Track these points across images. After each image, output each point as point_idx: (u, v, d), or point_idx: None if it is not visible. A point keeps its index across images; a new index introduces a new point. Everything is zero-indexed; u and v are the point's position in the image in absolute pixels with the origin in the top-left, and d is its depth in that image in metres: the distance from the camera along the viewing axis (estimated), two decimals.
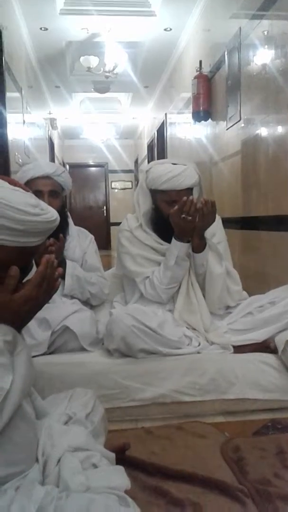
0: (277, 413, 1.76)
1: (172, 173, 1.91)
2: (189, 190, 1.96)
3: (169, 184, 1.92)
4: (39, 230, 0.97)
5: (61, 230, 2.05)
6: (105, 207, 11.48)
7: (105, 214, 11.39)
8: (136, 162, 10.93)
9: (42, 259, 0.99)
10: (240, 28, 3.29)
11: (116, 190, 11.48)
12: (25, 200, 0.96)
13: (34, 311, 1.02)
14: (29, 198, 0.98)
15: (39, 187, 2.01)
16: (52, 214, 1.01)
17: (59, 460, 1.02)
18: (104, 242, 10.22)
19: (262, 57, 2.93)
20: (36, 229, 0.96)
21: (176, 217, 1.87)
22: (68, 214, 2.25)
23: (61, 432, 1.10)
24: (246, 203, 3.32)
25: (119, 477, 1.03)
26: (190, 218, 1.86)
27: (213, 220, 1.94)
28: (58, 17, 4.64)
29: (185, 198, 1.85)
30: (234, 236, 3.40)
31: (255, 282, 3.02)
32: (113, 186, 11.47)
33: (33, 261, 1.08)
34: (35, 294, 0.98)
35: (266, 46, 2.87)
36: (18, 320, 0.98)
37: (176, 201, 1.90)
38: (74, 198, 11.41)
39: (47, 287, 1.00)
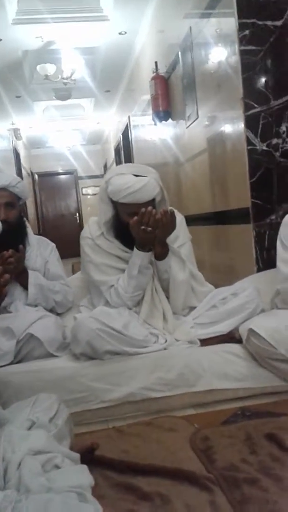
0: (246, 401, 1.79)
1: (133, 188, 1.87)
2: (150, 202, 1.93)
3: (129, 198, 1.89)
4: None
5: (20, 240, 2.05)
6: (77, 214, 11.44)
7: (78, 221, 11.35)
8: (105, 166, 10.94)
9: None
10: (190, 27, 3.33)
11: (88, 196, 11.46)
12: None
13: None
14: None
15: None
16: None
17: (20, 465, 1.03)
18: (78, 249, 10.07)
19: (214, 55, 2.97)
20: None
21: (135, 228, 1.86)
22: (27, 224, 2.24)
23: (21, 437, 1.11)
24: (212, 199, 3.36)
25: (81, 476, 1.04)
26: (150, 229, 1.85)
27: (173, 229, 1.94)
28: (11, 27, 4.62)
29: (143, 209, 1.84)
30: (204, 232, 3.44)
31: (225, 275, 3.06)
32: (84, 192, 11.45)
33: None
34: None
35: (216, 44, 2.91)
36: None
37: (137, 213, 1.86)
38: (45, 207, 11.36)
39: None
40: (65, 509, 0.85)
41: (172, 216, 1.90)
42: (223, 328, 1.90)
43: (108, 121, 9.05)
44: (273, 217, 2.58)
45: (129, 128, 6.62)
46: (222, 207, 3.13)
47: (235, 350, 1.85)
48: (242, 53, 2.54)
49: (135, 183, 1.88)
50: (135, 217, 1.85)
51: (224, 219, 3.13)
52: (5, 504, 0.89)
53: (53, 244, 2.33)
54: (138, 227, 1.85)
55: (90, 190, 11.37)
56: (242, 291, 1.94)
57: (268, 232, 2.58)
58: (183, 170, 4.08)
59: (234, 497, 1.17)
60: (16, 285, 2.07)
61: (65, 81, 5.31)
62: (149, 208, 1.85)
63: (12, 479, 1.00)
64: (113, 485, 1.28)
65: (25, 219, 2.23)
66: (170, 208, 1.93)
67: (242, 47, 2.54)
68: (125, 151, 7.29)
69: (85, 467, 1.07)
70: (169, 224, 1.90)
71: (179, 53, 3.69)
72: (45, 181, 11.28)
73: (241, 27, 2.54)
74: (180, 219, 2.08)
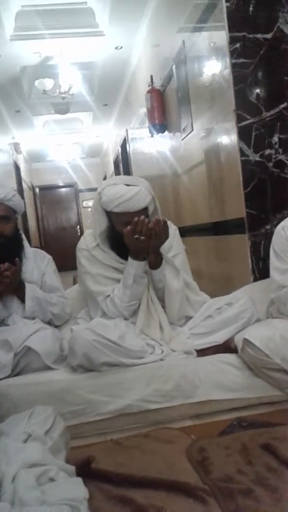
0: (242, 411, 1.79)
1: (124, 197, 1.91)
2: (143, 210, 1.97)
3: (122, 208, 1.93)
4: None
5: (16, 253, 2.07)
6: (78, 227, 11.49)
7: (79, 234, 11.39)
8: (104, 179, 10.96)
9: None
10: (183, 41, 3.38)
11: (88, 209, 11.49)
12: None
13: None
14: None
15: None
16: None
17: (14, 478, 1.03)
18: None
19: (206, 68, 3.02)
20: None
21: (129, 238, 1.89)
22: (23, 236, 2.26)
23: (16, 450, 1.12)
24: (208, 210, 3.39)
25: (76, 488, 1.05)
26: (143, 238, 1.88)
27: (166, 238, 1.96)
28: (9, 43, 4.69)
29: (136, 218, 1.87)
30: (200, 242, 3.46)
31: (221, 285, 3.07)
32: (84, 205, 11.50)
33: None
34: None
35: (208, 58, 2.96)
36: None
37: (130, 222, 1.89)
38: (46, 220, 11.42)
39: None
40: None
41: (165, 225, 1.93)
42: (218, 338, 1.91)
43: (106, 134, 9.13)
44: (268, 226, 2.60)
45: (127, 141, 6.68)
46: (219, 217, 3.16)
47: (231, 360, 1.86)
48: (234, 66, 2.58)
49: (127, 192, 1.92)
50: (129, 227, 1.88)
51: (220, 230, 3.15)
52: None
53: (50, 256, 2.34)
54: (131, 236, 1.88)
55: (90, 203, 11.35)
56: (237, 301, 1.96)
57: (264, 242, 2.60)
58: (180, 182, 4.11)
59: (228, 508, 1.18)
60: (13, 298, 2.08)
61: (63, 95, 5.38)
62: (142, 217, 1.89)
63: (7, 492, 1.01)
64: (109, 498, 1.28)
65: (21, 232, 2.25)
66: (162, 217, 1.96)
67: (234, 60, 2.58)
68: (123, 164, 7.35)
69: (80, 479, 1.08)
70: (162, 233, 1.93)
71: (173, 66, 3.74)
72: (46, 194, 11.35)
73: (232, 40, 2.58)
74: (174, 229, 2.11)
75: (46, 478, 1.06)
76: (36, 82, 5.29)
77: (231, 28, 2.58)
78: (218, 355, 1.88)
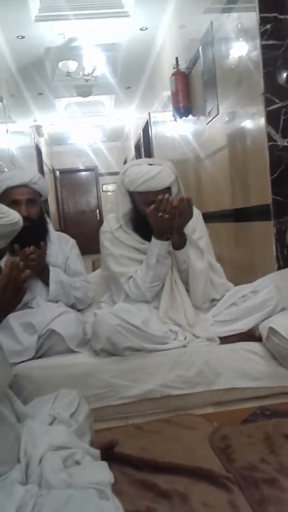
0: (265, 400, 1.77)
1: (148, 175, 1.92)
2: (166, 190, 1.97)
3: (145, 186, 1.93)
4: (2, 233, 0.99)
5: (41, 237, 2.07)
6: (98, 211, 11.48)
7: (98, 218, 11.39)
8: (125, 163, 10.93)
9: (6, 261, 1.01)
10: (211, 22, 3.31)
11: (108, 193, 11.49)
12: None
13: (2, 314, 1.03)
14: None
15: (16, 196, 2.02)
16: (13, 216, 1.02)
17: (41, 460, 1.04)
18: (98, 246, 10.17)
19: (235, 50, 2.94)
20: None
21: (153, 216, 1.88)
22: (48, 220, 2.26)
23: (42, 432, 1.12)
24: (231, 195, 3.34)
25: (102, 472, 1.05)
26: (167, 216, 1.87)
27: (191, 217, 1.95)
28: (33, 24, 4.65)
29: (160, 196, 1.86)
30: (223, 229, 3.42)
31: (244, 273, 3.04)
32: (104, 189, 11.48)
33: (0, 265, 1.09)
34: (0, 297, 0.99)
35: (237, 39, 2.89)
36: None
37: (154, 201, 1.89)
38: (66, 204, 11.43)
39: (14, 290, 1.01)
40: (85, 505, 0.87)
41: (189, 203, 1.91)
42: (242, 326, 1.89)
43: (128, 118, 9.05)
44: None
45: (149, 125, 6.61)
46: (242, 204, 3.11)
47: (254, 348, 1.84)
48: (263, 47, 2.51)
49: (150, 171, 1.93)
50: (153, 205, 1.87)
51: (243, 216, 3.10)
52: (26, 499, 0.91)
53: (73, 240, 2.34)
54: (155, 215, 1.87)
55: (110, 187, 11.39)
56: (263, 288, 1.93)
57: None
58: (203, 167, 4.05)
59: (253, 497, 1.17)
60: (38, 281, 2.09)
61: (86, 77, 5.33)
62: (166, 195, 1.88)
63: (34, 474, 1.02)
64: (132, 482, 1.29)
65: (46, 215, 2.25)
66: (186, 195, 1.94)
67: (263, 42, 2.51)
68: (145, 148, 7.29)
69: (105, 463, 1.08)
70: (186, 211, 1.91)
71: (200, 48, 3.66)
72: (66, 178, 11.35)
73: (262, 21, 2.51)
74: (197, 213, 2.10)
75: (72, 461, 1.07)
76: (60, 64, 5.25)
77: (261, 9, 2.50)
78: (242, 343, 1.86)
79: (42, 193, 2.13)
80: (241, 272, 3.13)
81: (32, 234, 2.00)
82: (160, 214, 1.86)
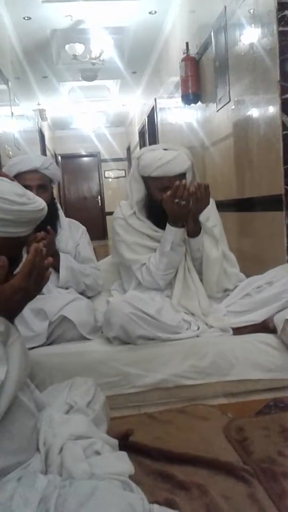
0: (278, 392, 1.76)
1: (164, 160, 1.88)
2: (181, 176, 1.93)
3: (161, 171, 1.89)
4: (27, 219, 0.96)
5: (51, 223, 2.04)
6: (99, 197, 11.42)
7: (100, 204, 11.34)
8: (128, 149, 10.86)
9: (30, 248, 0.98)
10: (225, 7, 3.24)
11: (110, 179, 11.42)
12: (11, 189, 0.94)
13: (25, 301, 1.00)
14: (16, 187, 0.96)
15: (27, 181, 1.97)
16: (40, 203, 0.99)
17: (61, 449, 1.02)
18: (100, 232, 10.19)
19: (249, 36, 2.89)
20: (24, 218, 0.95)
21: (169, 203, 1.85)
22: (59, 206, 2.22)
23: (62, 421, 1.10)
24: (239, 185, 3.30)
25: (123, 463, 1.03)
26: (183, 202, 1.83)
27: (207, 204, 1.92)
28: (40, 5, 4.57)
29: (177, 182, 1.82)
30: (230, 218, 3.39)
31: (252, 263, 3.01)
32: (106, 175, 11.39)
33: (23, 253, 1.06)
34: (25, 284, 0.96)
35: (252, 25, 2.83)
36: (9, 311, 0.97)
37: (169, 187, 1.86)
38: (68, 189, 11.35)
39: (37, 277, 0.98)
40: (113, 497, 0.84)
41: (207, 190, 1.88)
42: (256, 317, 1.87)
43: (133, 103, 8.95)
44: None
45: (155, 111, 6.53)
46: (251, 193, 3.07)
47: (268, 340, 1.82)
48: (280, 34, 2.46)
49: (166, 155, 1.90)
50: (169, 192, 1.83)
51: (252, 206, 3.07)
52: (50, 490, 0.89)
53: (84, 227, 2.31)
54: (171, 201, 1.84)
55: (112, 174, 11.32)
56: (278, 280, 1.91)
57: None
58: (211, 155, 4.01)
59: (274, 490, 1.16)
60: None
61: (93, 61, 5.24)
62: (183, 181, 1.84)
63: (54, 464, 1.00)
64: (149, 472, 1.28)
65: (56, 201, 2.21)
66: (204, 182, 1.90)
67: (281, 28, 2.46)
68: (150, 134, 7.21)
69: (125, 454, 1.06)
70: (203, 199, 1.88)
71: (212, 33, 3.59)
72: (68, 163, 11.26)
73: (280, 7, 2.45)
74: (211, 202, 2.06)
75: (91, 451, 1.05)
76: (67, 47, 5.15)
77: None
78: (256, 334, 1.84)
79: (53, 179, 2.09)
80: (248, 262, 3.10)
81: (43, 221, 1.96)
82: (177, 200, 1.82)
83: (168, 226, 1.91)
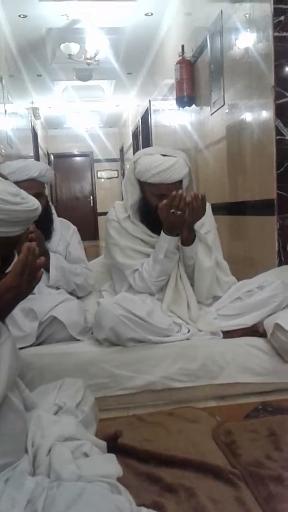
0: (267, 395, 1.77)
1: (161, 167, 1.85)
2: (178, 183, 1.91)
3: (158, 178, 1.86)
4: (21, 219, 0.95)
5: (46, 227, 2.03)
6: (91, 197, 11.39)
7: (91, 204, 11.31)
8: (121, 150, 10.85)
9: (23, 246, 0.97)
10: (221, 11, 3.25)
11: (102, 180, 11.40)
12: (5, 188, 0.94)
13: (16, 301, 1.00)
14: (9, 186, 0.96)
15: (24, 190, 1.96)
16: (33, 203, 0.99)
17: (49, 451, 1.02)
18: (91, 232, 10.17)
19: (244, 41, 2.90)
20: (17, 218, 0.94)
21: (165, 212, 1.83)
22: (53, 209, 2.21)
23: (50, 422, 1.10)
24: (232, 188, 3.31)
25: (111, 465, 1.03)
26: (179, 213, 1.81)
27: (203, 214, 1.91)
28: (37, 4, 4.55)
29: (174, 192, 1.80)
30: (221, 222, 3.38)
31: (243, 266, 3.02)
32: (99, 175, 11.38)
33: (15, 252, 1.06)
34: (17, 283, 0.96)
35: (248, 30, 2.84)
36: (0, 310, 0.97)
37: (165, 194, 1.84)
38: (59, 189, 11.32)
39: (29, 276, 0.98)
40: (100, 499, 0.84)
41: (203, 200, 1.87)
42: (247, 321, 1.88)
43: (127, 104, 8.94)
44: None
45: (149, 113, 6.53)
46: (244, 197, 3.08)
47: (258, 344, 1.83)
48: (276, 39, 2.47)
49: (164, 162, 1.86)
50: (165, 200, 1.82)
51: (244, 210, 3.08)
52: (38, 492, 0.88)
53: (75, 227, 2.30)
54: (167, 211, 1.82)
55: (105, 174, 11.31)
56: (269, 284, 1.91)
57: None
58: (204, 158, 4.01)
59: (261, 494, 1.16)
60: None
61: (88, 61, 5.23)
62: (180, 191, 1.82)
63: (42, 465, 0.99)
64: (137, 475, 1.28)
65: (50, 204, 2.21)
66: (201, 192, 1.90)
67: (276, 33, 2.47)
68: (143, 136, 7.21)
69: (113, 456, 1.06)
70: (199, 209, 1.87)
71: (208, 37, 3.60)
72: (60, 163, 11.22)
73: (276, 12, 2.46)
74: (207, 207, 2.05)
75: (80, 453, 1.04)
76: (62, 46, 5.14)
77: (275, 0, 2.46)
78: (246, 338, 1.85)
79: (47, 183, 2.10)
80: (239, 266, 3.11)
81: (39, 226, 1.95)
82: (173, 210, 1.80)
83: (162, 234, 1.91)
